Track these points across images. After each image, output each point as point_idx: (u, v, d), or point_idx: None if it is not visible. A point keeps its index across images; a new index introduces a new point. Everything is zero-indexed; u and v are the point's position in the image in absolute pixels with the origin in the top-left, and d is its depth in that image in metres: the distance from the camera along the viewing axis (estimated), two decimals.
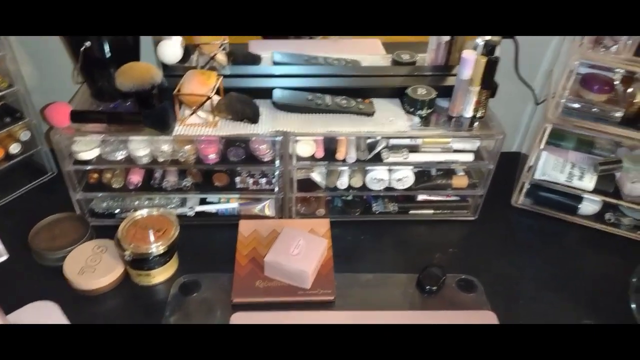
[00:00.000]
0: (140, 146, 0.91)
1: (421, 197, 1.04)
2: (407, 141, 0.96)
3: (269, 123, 0.91)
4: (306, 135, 0.90)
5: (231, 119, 0.90)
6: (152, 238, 0.84)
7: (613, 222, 1.04)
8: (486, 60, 0.87)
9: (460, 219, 1.06)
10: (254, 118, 0.90)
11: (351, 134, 0.91)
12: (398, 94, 0.98)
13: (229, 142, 0.93)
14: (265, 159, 0.94)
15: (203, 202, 1.02)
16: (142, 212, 0.88)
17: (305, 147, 0.94)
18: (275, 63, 1.03)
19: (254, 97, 0.94)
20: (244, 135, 0.89)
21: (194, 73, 0.88)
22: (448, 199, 1.06)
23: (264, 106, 0.94)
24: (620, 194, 1.00)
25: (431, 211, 1.05)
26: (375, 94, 0.98)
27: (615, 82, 0.97)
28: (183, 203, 1.01)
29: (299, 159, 0.94)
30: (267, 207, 1.02)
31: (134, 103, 0.91)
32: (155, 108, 0.87)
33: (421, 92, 0.94)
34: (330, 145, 0.95)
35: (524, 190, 1.08)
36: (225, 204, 1.00)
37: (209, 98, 0.85)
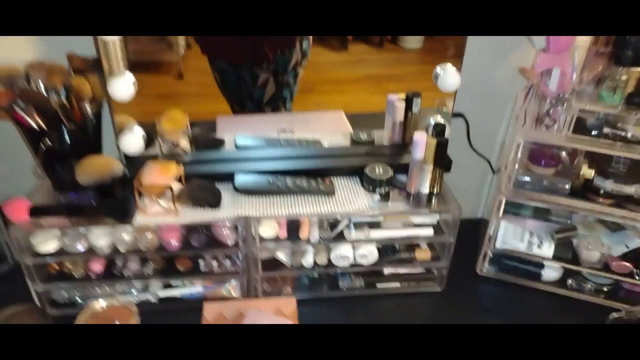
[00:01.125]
0: (101, 236, 0.90)
1: (387, 270, 1.05)
2: (368, 218, 0.98)
3: (231, 207, 0.92)
4: (268, 219, 0.92)
5: (192, 206, 0.91)
6: None
7: (575, 288, 1.06)
8: (436, 142, 0.91)
9: (428, 290, 1.07)
10: (215, 204, 0.91)
11: (312, 215, 0.93)
12: (357, 172, 1.01)
13: (191, 228, 0.93)
14: (229, 243, 0.94)
15: (167, 287, 1.01)
16: (101, 304, 0.86)
17: (268, 229, 0.95)
18: (238, 147, 1.06)
19: (216, 182, 0.96)
20: (205, 222, 0.90)
21: (154, 163, 0.89)
22: (413, 271, 1.07)
23: (226, 190, 0.96)
24: (579, 260, 1.03)
25: (398, 284, 1.06)
26: (335, 173, 1.01)
27: (562, 155, 1.02)
28: (146, 289, 1.00)
29: (263, 240, 0.95)
30: (232, 288, 1.01)
31: (94, 193, 0.92)
32: (115, 199, 0.88)
33: (379, 171, 0.98)
34: (293, 225, 0.97)
35: (487, 258, 1.10)
36: (189, 287, 1.00)
37: (169, 187, 0.87)
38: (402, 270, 1.06)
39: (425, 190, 0.98)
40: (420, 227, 0.99)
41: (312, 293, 1.04)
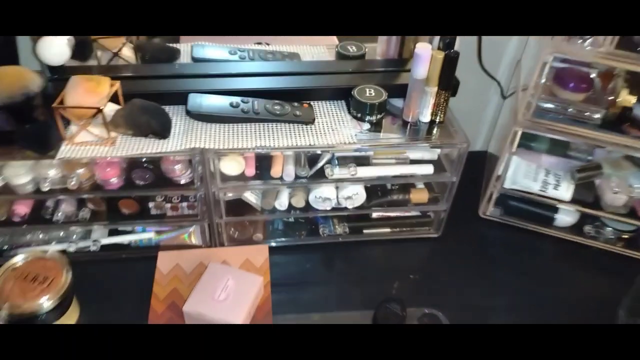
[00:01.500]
0: (20, 172, 0.72)
1: (376, 214, 0.89)
2: (355, 152, 0.80)
3: (182, 138, 0.73)
4: (230, 152, 0.73)
5: (132, 134, 0.72)
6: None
7: (592, 235, 0.92)
8: (444, 56, 0.72)
9: (422, 236, 0.92)
10: (162, 132, 0.72)
11: (286, 148, 0.74)
12: (343, 95, 0.82)
13: (134, 163, 0.75)
14: (182, 181, 0.77)
15: (114, 233, 0.84)
16: (19, 258, 0.70)
17: (232, 165, 0.77)
18: (195, 59, 0.85)
19: (166, 104, 0.77)
20: (148, 155, 0.71)
21: (80, 79, 0.69)
22: (407, 214, 0.91)
23: (178, 115, 0.77)
24: (601, 203, 0.88)
25: (388, 229, 0.91)
26: (315, 96, 0.82)
27: (593, 78, 0.83)
28: (87, 235, 0.83)
29: (225, 178, 0.78)
30: (192, 234, 0.85)
31: (8, 118, 0.72)
32: (32, 124, 0.68)
33: (370, 93, 0.78)
34: (263, 161, 0.79)
35: (493, 200, 0.94)
36: (138, 233, 0.83)
37: (99, 110, 0.67)
38: (393, 213, 0.90)
39: (426, 118, 0.80)
40: (417, 163, 0.82)
41: (288, 240, 0.88)
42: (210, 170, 0.74)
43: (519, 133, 0.83)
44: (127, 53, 0.84)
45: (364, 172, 0.80)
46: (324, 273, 0.86)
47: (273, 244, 0.87)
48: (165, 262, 0.81)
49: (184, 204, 0.80)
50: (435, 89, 0.76)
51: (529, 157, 0.91)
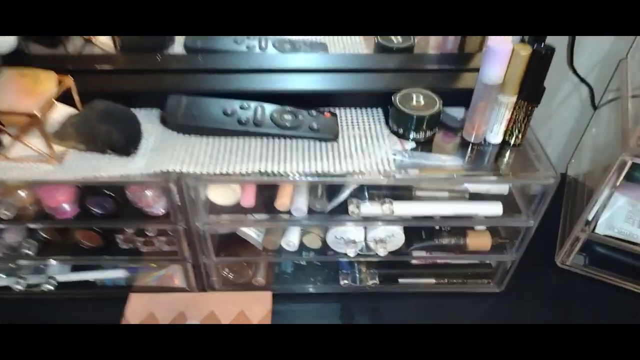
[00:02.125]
0: None
1: (415, 256, 0.67)
2: (393, 181, 0.58)
3: (154, 156, 0.53)
4: (218, 181, 0.53)
5: (85, 149, 0.53)
6: None
7: None
8: (531, 53, 0.49)
9: (479, 291, 0.69)
10: (124, 148, 0.52)
11: (299, 175, 0.53)
12: (381, 102, 0.60)
13: (90, 188, 0.56)
14: (155, 211, 0.57)
15: (78, 269, 0.66)
16: None
17: (224, 193, 0.57)
18: (189, 49, 0.65)
19: (142, 107, 0.58)
20: (100, 181, 0.51)
21: (13, 74, 0.50)
22: (460, 262, 0.69)
23: (155, 125, 0.57)
24: None
25: (433, 280, 0.69)
26: (342, 101, 0.60)
27: None
28: (40, 271, 0.65)
29: (215, 209, 0.58)
30: (174, 275, 0.66)
31: None
32: None
33: (418, 101, 0.56)
34: (266, 189, 0.58)
35: (578, 246, 0.70)
36: (104, 271, 0.65)
37: (34, 117, 0.48)
38: (441, 259, 0.68)
39: (497, 138, 0.57)
40: (480, 199, 0.59)
41: (298, 286, 0.68)
42: (191, 198, 0.54)
43: (629, 163, 0.59)
44: (104, 39, 0.65)
45: (404, 209, 0.58)
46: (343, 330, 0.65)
47: (278, 291, 0.67)
48: (136, 308, 0.63)
49: (162, 238, 0.61)
50: (514, 98, 0.53)
51: (636, 194, 0.67)
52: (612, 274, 0.71)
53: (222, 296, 0.65)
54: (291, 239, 0.62)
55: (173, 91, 0.57)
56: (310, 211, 0.58)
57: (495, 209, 0.58)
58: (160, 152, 0.53)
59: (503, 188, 0.59)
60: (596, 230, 0.67)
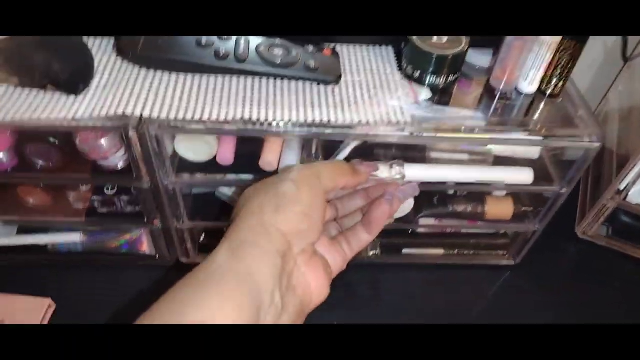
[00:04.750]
0: None
1: (423, 224, 0.58)
2: (403, 137, 0.48)
3: (107, 95, 0.42)
4: (189, 130, 0.42)
5: (19, 84, 0.41)
6: None
7: None
8: None
9: (492, 263, 0.61)
10: (70, 84, 0.41)
11: (288, 126, 0.43)
12: (393, 38, 0.49)
13: (29, 134, 0.45)
14: (113, 165, 0.47)
15: (24, 231, 0.56)
16: None
17: (197, 147, 0.46)
18: None
19: (96, 35, 0.46)
20: (35, 124, 0.40)
21: None
22: (472, 232, 0.60)
23: (111, 57, 0.46)
24: None
25: (441, 251, 0.60)
26: (345, 36, 0.49)
27: None
28: None
29: (187, 166, 0.47)
30: (142, 240, 0.56)
31: None
32: None
33: (437, 39, 0.45)
34: (248, 143, 0.48)
35: (604, 217, 0.62)
36: (55, 234, 0.55)
37: None
38: (450, 227, 0.59)
39: (531, 87, 0.47)
40: (504, 163, 0.50)
41: None
42: (154, 152, 0.44)
43: None
44: None
45: (416, 172, 0.48)
46: (341, 307, 0.57)
47: None
48: None
49: (124, 198, 0.51)
50: (559, 37, 0.43)
51: None
52: (638, 245, 0.63)
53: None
54: None
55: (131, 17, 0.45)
56: None
57: (525, 176, 0.49)
58: (114, 91, 0.42)
59: (533, 151, 0.50)
60: (628, 199, 0.58)
